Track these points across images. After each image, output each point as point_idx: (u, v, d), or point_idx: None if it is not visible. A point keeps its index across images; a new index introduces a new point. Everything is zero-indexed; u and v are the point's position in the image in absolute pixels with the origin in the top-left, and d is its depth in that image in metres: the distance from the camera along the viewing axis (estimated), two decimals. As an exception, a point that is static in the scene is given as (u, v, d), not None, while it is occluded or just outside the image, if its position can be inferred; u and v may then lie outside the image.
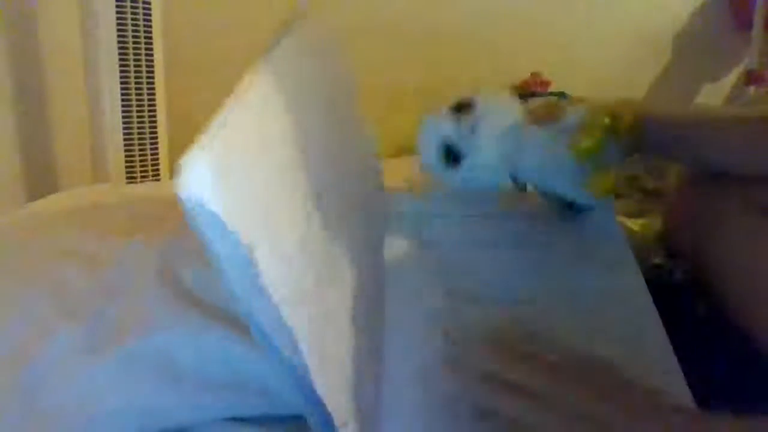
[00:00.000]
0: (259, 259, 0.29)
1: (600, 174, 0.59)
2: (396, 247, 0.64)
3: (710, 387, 0.46)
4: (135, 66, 1.06)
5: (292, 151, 0.39)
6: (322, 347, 0.35)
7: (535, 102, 0.65)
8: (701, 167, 0.63)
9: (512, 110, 0.64)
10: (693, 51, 1.89)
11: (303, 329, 0.32)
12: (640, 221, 0.82)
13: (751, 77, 1.73)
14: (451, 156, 0.64)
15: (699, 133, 0.59)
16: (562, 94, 1.66)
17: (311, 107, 0.46)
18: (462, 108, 0.65)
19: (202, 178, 0.27)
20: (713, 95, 1.93)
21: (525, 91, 1.69)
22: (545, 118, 0.62)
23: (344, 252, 0.44)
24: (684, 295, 0.67)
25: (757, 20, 1.71)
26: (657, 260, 0.72)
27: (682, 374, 0.50)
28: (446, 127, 0.65)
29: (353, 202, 0.52)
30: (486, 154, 0.63)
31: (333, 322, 0.38)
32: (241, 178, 0.31)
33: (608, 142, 0.58)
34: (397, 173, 0.86)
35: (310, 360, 0.32)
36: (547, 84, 1.68)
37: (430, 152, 0.66)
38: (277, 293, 0.30)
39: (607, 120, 0.58)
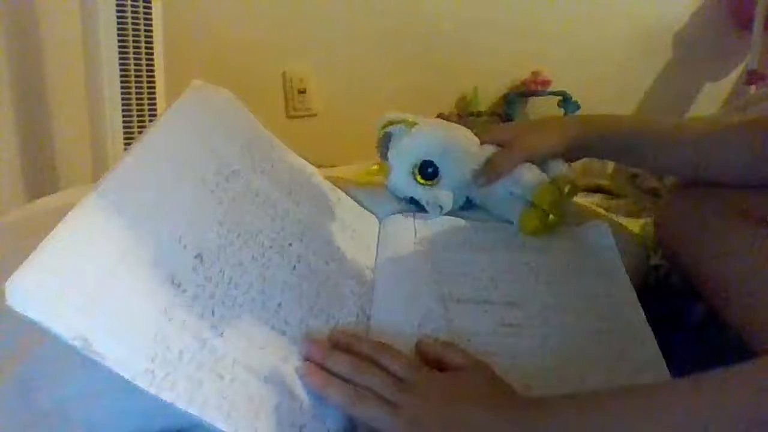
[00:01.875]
0: (96, 345, 0.35)
1: (528, 213, 0.66)
2: (390, 246, 0.64)
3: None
4: (135, 66, 1.06)
5: (146, 235, 0.44)
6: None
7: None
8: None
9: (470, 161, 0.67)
10: (693, 51, 1.89)
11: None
12: (640, 221, 0.82)
13: (751, 77, 1.73)
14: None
15: (641, 143, 0.65)
16: (562, 94, 1.66)
17: (194, 175, 0.52)
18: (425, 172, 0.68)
19: (26, 293, 0.33)
20: (713, 95, 1.93)
21: (525, 91, 1.69)
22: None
23: (250, 292, 0.48)
24: (680, 298, 0.67)
25: (757, 20, 1.70)
26: (655, 261, 0.72)
27: (670, 377, 0.50)
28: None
29: (277, 237, 0.55)
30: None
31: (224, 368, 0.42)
32: (69, 280, 0.36)
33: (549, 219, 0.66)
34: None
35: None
36: (547, 83, 1.68)
37: (403, 167, 0.68)
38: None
39: (552, 205, 0.65)
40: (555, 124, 0.69)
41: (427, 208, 0.68)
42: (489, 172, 0.66)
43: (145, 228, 0.44)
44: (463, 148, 0.67)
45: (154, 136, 0.51)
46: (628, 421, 0.40)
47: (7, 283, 0.33)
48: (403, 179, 0.68)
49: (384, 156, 0.70)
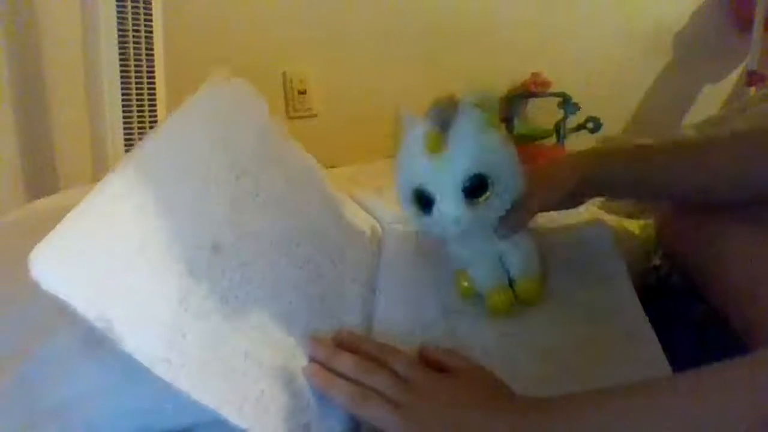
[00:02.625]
0: (119, 328, 0.36)
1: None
2: (391, 256, 0.64)
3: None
4: (135, 66, 1.06)
5: (163, 223, 0.44)
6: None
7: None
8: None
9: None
10: (693, 51, 1.89)
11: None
12: (640, 222, 0.82)
13: (751, 78, 1.73)
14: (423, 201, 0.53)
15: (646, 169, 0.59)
16: (563, 95, 1.66)
17: (207, 170, 0.52)
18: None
19: (53, 271, 0.34)
20: (713, 95, 1.93)
21: (525, 92, 1.69)
22: None
23: (263, 289, 0.48)
24: (681, 298, 0.67)
25: (757, 20, 1.71)
26: (656, 262, 0.72)
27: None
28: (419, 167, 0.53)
29: (284, 238, 0.54)
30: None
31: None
32: (89, 262, 0.37)
33: None
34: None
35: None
36: (547, 84, 1.68)
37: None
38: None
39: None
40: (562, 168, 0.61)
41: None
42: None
43: (162, 220, 0.44)
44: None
45: (168, 130, 0.52)
46: (629, 422, 0.40)
47: (30, 256, 0.33)
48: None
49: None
